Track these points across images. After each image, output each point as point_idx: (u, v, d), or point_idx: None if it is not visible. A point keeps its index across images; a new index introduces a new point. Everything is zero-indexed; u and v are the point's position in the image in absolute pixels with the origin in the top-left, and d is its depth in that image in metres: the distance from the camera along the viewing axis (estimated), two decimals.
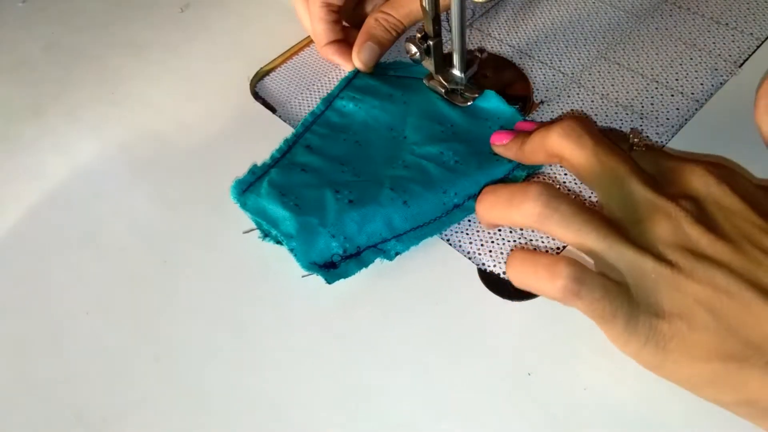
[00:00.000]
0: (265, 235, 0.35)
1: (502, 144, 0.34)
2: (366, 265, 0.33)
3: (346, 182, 0.36)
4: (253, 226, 0.36)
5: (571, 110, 0.40)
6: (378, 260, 0.34)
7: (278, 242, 0.35)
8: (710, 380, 0.24)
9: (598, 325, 0.26)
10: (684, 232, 0.25)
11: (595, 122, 0.39)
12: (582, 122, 0.29)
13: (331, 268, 0.33)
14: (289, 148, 0.38)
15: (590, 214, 0.27)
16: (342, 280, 0.33)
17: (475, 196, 0.33)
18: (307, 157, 0.37)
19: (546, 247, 0.34)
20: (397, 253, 0.34)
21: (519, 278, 0.28)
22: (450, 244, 0.35)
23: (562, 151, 0.29)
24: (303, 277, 0.33)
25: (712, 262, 0.24)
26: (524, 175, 0.36)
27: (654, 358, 0.25)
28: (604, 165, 0.28)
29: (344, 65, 0.43)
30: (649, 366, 0.26)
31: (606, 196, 0.28)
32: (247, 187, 0.36)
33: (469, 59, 0.39)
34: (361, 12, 0.45)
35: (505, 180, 0.36)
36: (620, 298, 0.25)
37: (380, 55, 0.42)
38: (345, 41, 0.43)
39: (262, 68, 0.46)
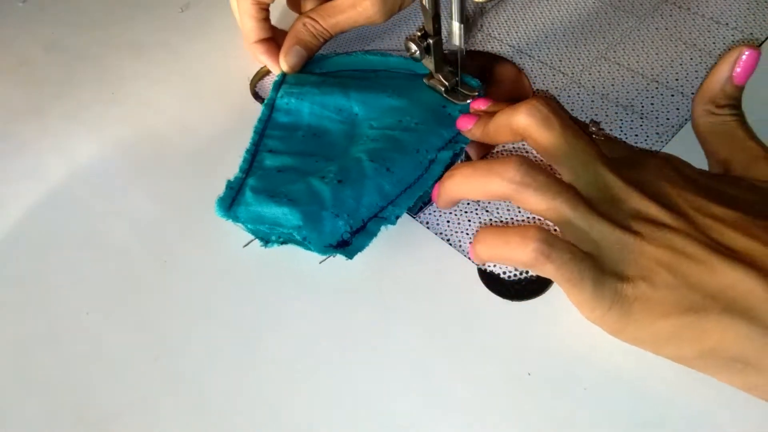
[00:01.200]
0: (266, 241, 0.35)
1: (467, 129, 0.36)
2: (375, 235, 0.34)
3: (325, 168, 0.36)
4: (250, 238, 0.35)
5: (540, 91, 0.40)
6: (384, 228, 0.35)
7: (283, 242, 0.35)
8: (671, 336, 0.26)
9: (565, 290, 0.28)
10: (646, 210, 0.28)
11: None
12: (548, 102, 0.31)
13: (345, 246, 0.34)
14: (252, 157, 0.38)
15: (564, 185, 0.29)
16: (340, 280, 0.33)
17: (443, 148, 0.37)
18: (275, 160, 0.38)
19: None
20: (397, 217, 0.35)
21: (489, 252, 0.29)
22: (450, 244, 0.35)
23: (529, 130, 0.30)
24: (320, 262, 0.34)
25: (670, 229, 0.27)
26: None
27: (618, 322, 0.27)
28: (572, 146, 0.29)
29: (270, 65, 0.43)
30: (612, 330, 0.28)
31: (573, 175, 0.29)
32: (231, 203, 0.36)
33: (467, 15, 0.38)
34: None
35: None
36: (586, 262, 0.27)
37: (307, 60, 0.42)
38: (273, 40, 0.44)
39: (262, 68, 0.46)
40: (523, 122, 0.30)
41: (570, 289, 0.27)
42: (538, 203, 0.28)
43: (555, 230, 0.30)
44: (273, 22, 0.45)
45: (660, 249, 0.27)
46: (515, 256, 0.28)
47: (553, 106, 0.30)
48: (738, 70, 0.32)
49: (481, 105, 0.36)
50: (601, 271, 0.27)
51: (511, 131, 0.32)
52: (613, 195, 0.28)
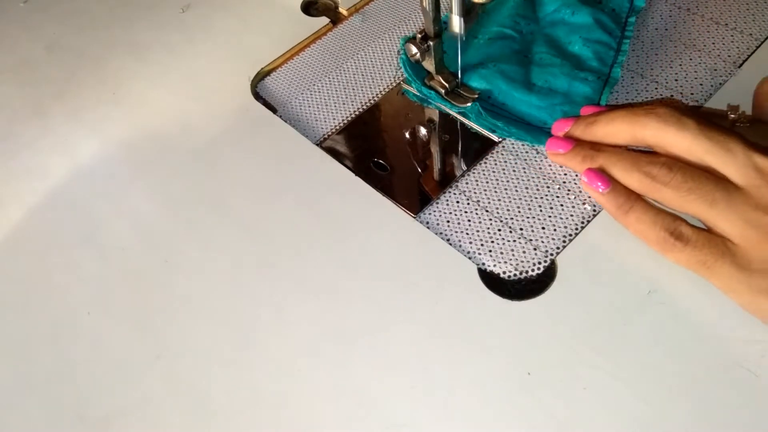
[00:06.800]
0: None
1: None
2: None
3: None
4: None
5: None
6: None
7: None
8: None
9: (701, 274, 0.29)
10: None
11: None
12: (676, 106, 0.31)
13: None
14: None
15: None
16: (340, 280, 0.33)
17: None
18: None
19: (547, 247, 0.34)
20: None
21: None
22: (450, 244, 0.35)
23: (662, 140, 0.30)
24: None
25: None
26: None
27: None
28: (714, 139, 0.29)
29: None
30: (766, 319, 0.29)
31: (722, 167, 0.29)
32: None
33: (467, 8, 0.38)
34: None
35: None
36: (722, 247, 0.29)
37: None
38: None
39: (262, 69, 0.46)
40: (654, 132, 0.30)
41: (704, 272, 0.29)
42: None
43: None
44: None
45: None
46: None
47: (681, 107, 0.30)
48: None
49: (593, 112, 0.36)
50: (747, 260, 0.28)
51: (633, 137, 0.32)
52: None
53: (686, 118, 0.30)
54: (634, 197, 0.31)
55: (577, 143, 0.34)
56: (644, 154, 0.31)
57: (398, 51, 0.45)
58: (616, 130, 0.33)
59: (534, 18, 0.43)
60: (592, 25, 0.41)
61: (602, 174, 0.32)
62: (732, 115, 0.31)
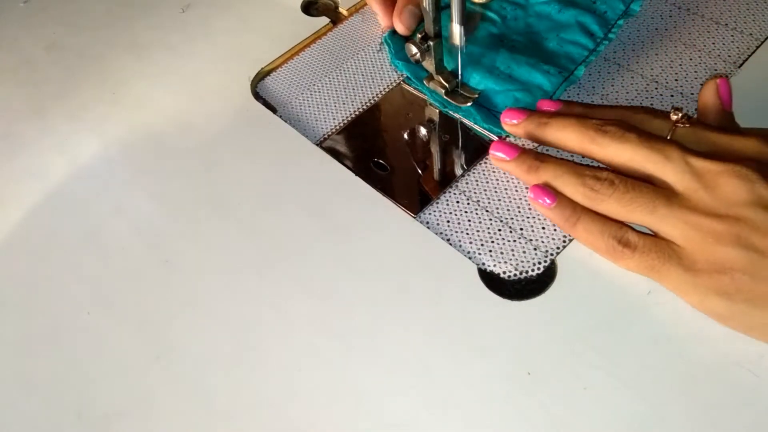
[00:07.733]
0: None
1: (513, 122, 0.36)
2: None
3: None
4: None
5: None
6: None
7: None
8: None
9: (651, 277, 0.30)
10: (756, 189, 0.28)
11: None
12: (622, 122, 0.32)
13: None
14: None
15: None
16: (340, 280, 0.33)
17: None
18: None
19: (547, 247, 0.34)
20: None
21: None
22: (450, 244, 0.35)
23: (607, 154, 0.32)
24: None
25: None
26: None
27: (721, 309, 0.28)
28: (653, 148, 0.31)
29: (380, 18, 0.44)
30: (716, 317, 0.29)
31: (661, 173, 0.30)
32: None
33: (468, 15, 0.38)
34: None
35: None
36: (667, 251, 0.29)
37: (420, 20, 0.42)
38: None
39: (262, 69, 0.46)
40: (600, 146, 0.32)
41: (654, 275, 0.30)
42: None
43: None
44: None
45: None
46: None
47: (623, 123, 0.32)
48: (724, 99, 0.33)
49: (550, 107, 0.36)
50: (692, 261, 0.29)
51: (581, 148, 0.33)
52: (712, 182, 0.29)
53: (629, 133, 0.31)
54: (580, 209, 0.32)
55: (522, 151, 0.35)
56: (587, 167, 0.32)
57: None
58: (566, 138, 0.33)
59: (521, 4, 0.44)
60: (573, 26, 0.41)
61: (547, 189, 0.33)
62: (674, 116, 0.32)
